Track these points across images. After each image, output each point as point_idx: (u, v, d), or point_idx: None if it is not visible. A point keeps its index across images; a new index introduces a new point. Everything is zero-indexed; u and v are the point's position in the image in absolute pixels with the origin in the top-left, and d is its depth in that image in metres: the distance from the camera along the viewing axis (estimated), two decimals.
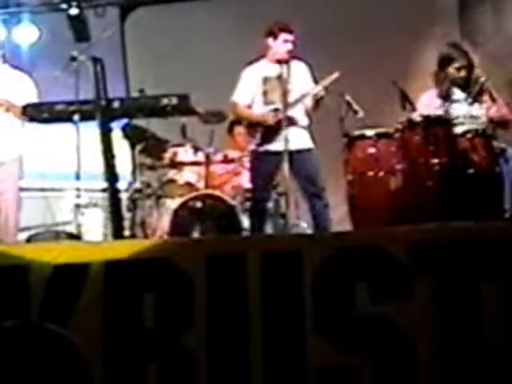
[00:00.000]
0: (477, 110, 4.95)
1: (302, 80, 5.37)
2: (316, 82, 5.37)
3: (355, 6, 7.23)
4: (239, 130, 6.13)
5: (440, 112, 4.90)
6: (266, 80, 5.37)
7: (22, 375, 1.34)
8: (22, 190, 5.49)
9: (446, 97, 5.04)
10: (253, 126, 5.36)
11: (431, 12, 7.20)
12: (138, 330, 3.05)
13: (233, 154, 6.15)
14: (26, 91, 5.40)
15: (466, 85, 5.04)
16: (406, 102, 4.80)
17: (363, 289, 2.98)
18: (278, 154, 5.13)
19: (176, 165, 5.72)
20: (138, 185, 5.51)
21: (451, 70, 5.05)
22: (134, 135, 5.59)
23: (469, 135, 4.46)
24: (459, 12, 7.31)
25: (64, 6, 7.41)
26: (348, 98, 5.07)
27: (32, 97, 5.37)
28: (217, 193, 5.46)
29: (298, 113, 5.36)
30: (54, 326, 1.33)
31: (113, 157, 3.89)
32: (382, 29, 7.12)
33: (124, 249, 3.45)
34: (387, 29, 7.15)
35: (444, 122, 4.58)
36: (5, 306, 2.85)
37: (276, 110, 5.27)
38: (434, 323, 2.92)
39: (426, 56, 6.54)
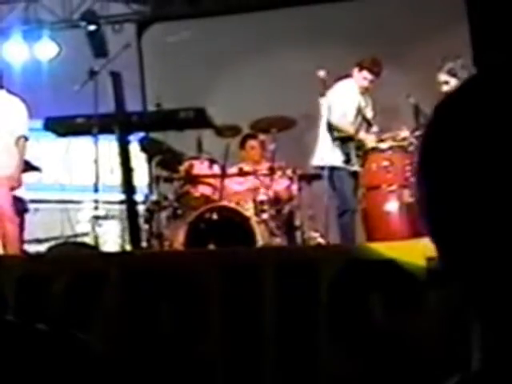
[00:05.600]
0: None
1: None
2: None
3: None
4: (252, 143, 6.16)
5: None
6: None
7: (42, 380, 1.38)
8: (41, 202, 5.53)
9: None
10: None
11: None
12: (154, 338, 3.10)
13: (248, 167, 6.19)
14: (19, 117, 5.43)
15: None
16: (420, 115, 4.82)
17: (377, 300, 3.00)
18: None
19: (192, 177, 5.77)
20: (154, 197, 5.56)
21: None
22: (151, 148, 5.64)
23: None
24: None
25: (82, 22, 7.55)
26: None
27: (24, 121, 5.40)
28: (232, 205, 5.50)
29: None
30: (82, 335, 1.38)
31: (130, 169, 3.95)
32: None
33: (141, 259, 3.51)
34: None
35: None
36: (27, 314, 2.91)
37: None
38: (445, 335, 2.94)
39: None
